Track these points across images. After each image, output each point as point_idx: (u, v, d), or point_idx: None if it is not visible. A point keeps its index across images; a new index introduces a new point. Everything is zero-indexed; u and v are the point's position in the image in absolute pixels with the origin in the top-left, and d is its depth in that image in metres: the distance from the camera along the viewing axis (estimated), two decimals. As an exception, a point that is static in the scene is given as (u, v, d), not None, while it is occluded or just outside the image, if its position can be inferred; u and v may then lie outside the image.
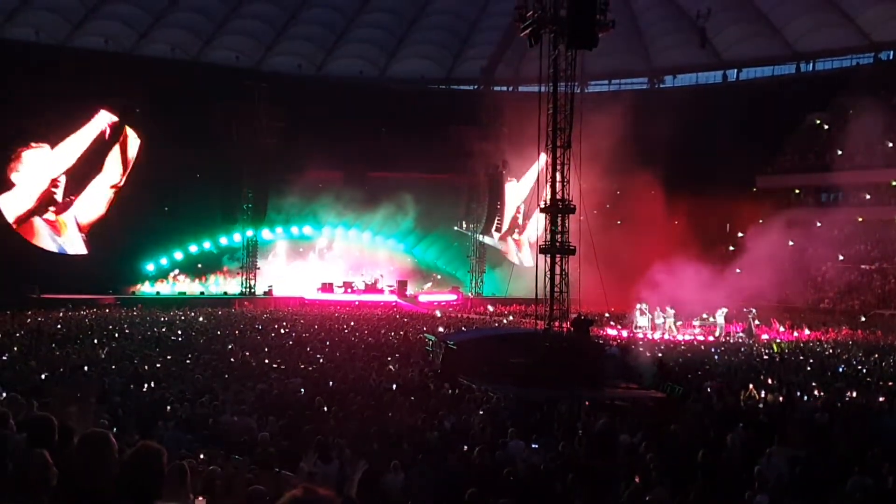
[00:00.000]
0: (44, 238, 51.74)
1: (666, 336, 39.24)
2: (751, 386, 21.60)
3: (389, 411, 16.28)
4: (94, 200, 52.72)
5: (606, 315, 43.22)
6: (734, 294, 41.34)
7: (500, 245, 64.33)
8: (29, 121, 49.87)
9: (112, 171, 52.70)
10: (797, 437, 14.61)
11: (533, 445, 13.92)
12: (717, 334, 39.65)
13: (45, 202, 51.25)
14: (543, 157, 31.04)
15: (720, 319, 40.29)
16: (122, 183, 52.46)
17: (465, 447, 13.60)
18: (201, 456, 11.07)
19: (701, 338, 38.87)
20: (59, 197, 51.48)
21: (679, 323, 41.16)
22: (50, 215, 51.68)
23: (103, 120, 51.90)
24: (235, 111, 52.30)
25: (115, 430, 10.97)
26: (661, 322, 41.04)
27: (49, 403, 11.87)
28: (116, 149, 52.28)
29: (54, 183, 51.30)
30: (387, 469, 11.78)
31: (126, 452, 4.97)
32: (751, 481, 11.74)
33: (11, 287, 45.11)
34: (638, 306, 41.73)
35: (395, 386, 19.86)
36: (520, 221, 64.22)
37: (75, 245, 52.55)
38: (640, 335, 39.08)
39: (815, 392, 21.13)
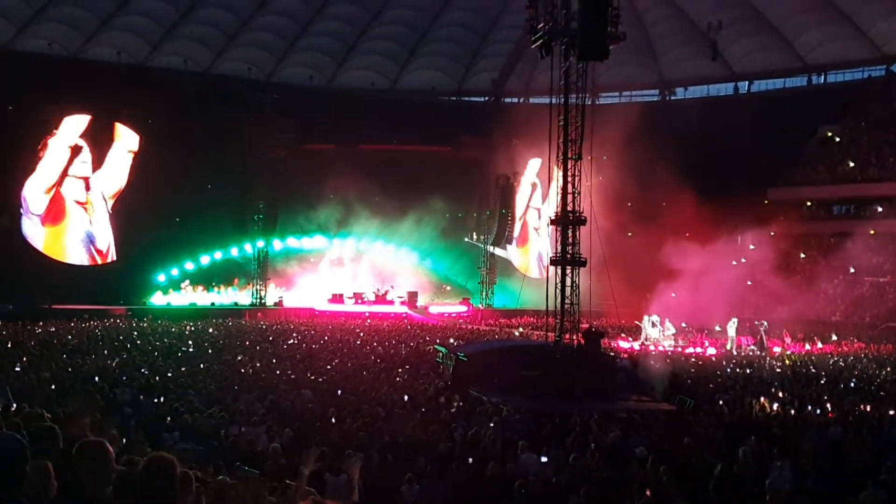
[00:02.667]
0: (75, 223, 52.90)
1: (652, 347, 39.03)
2: (762, 399, 21.52)
3: (400, 423, 16.25)
4: (116, 169, 53.92)
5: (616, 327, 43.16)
6: (746, 306, 41.22)
7: (512, 256, 64.33)
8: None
9: (127, 137, 53.83)
10: (809, 450, 14.55)
11: (542, 458, 13.86)
12: (728, 347, 39.47)
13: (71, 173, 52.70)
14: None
15: (731, 332, 40.14)
16: (138, 148, 53.88)
17: (477, 460, 13.56)
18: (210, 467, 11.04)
19: (712, 350, 38.69)
20: (85, 167, 52.89)
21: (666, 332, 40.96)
22: (80, 194, 52.53)
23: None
24: (247, 123, 52.45)
25: (124, 441, 10.97)
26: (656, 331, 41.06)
27: (61, 415, 11.88)
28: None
29: (77, 149, 52.23)
30: (401, 481, 11.75)
31: (139, 463, 4.98)
32: (763, 494, 11.68)
33: (24, 298, 45.32)
34: (647, 318, 41.65)
35: (406, 398, 19.84)
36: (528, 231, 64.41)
37: (103, 228, 53.84)
38: (651, 347, 38.94)
39: (828, 405, 21.01)
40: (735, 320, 40.07)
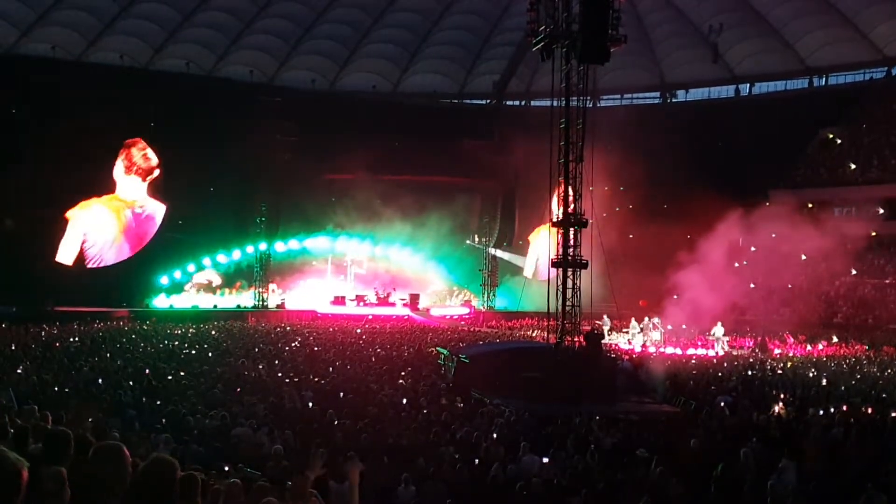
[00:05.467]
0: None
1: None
2: (764, 401, 21.55)
3: (402, 425, 16.28)
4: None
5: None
6: (747, 308, 41.14)
7: (513, 259, 64.34)
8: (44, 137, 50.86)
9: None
10: (811, 452, 14.58)
11: (544, 460, 13.89)
12: (716, 348, 39.32)
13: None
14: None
15: (718, 334, 40.05)
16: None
17: (478, 461, 13.59)
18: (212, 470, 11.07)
19: (712, 352, 38.67)
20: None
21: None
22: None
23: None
24: (249, 126, 52.41)
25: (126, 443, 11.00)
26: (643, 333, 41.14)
27: (64, 417, 11.93)
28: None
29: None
30: (398, 482, 11.78)
31: (139, 465, 5.01)
32: (764, 496, 11.71)
33: (27, 300, 45.36)
34: (648, 320, 41.66)
35: (405, 400, 19.85)
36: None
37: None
38: (652, 349, 38.97)
39: (830, 407, 21.02)
40: (720, 324, 40.08)
